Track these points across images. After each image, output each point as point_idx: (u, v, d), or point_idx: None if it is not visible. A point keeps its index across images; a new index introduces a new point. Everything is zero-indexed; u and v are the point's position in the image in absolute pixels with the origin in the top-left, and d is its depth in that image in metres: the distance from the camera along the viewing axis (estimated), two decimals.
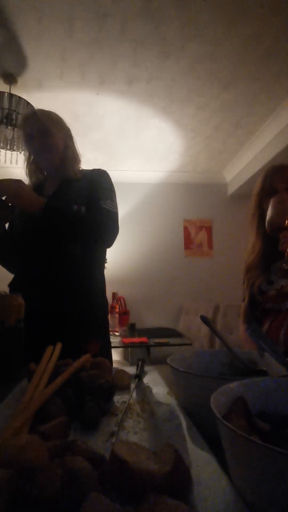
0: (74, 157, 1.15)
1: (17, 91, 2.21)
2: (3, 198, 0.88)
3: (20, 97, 2.06)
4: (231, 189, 3.84)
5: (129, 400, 0.52)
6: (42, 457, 0.26)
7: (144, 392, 0.57)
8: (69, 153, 1.13)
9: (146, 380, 0.64)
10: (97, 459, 0.30)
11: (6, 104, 2.04)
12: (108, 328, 1.16)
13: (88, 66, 2.10)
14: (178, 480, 0.26)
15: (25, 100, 2.07)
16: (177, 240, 3.92)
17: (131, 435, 0.41)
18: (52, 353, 0.66)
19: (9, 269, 1.14)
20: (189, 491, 0.28)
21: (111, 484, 0.25)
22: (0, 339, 0.71)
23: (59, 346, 0.70)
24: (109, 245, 1.12)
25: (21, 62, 2.06)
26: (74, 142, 1.18)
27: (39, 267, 1.03)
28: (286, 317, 1.01)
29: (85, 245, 1.06)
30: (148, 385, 0.60)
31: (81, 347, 0.96)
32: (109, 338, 1.15)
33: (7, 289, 1.07)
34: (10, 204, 0.91)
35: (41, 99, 2.35)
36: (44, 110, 1.14)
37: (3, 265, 1.15)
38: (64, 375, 0.54)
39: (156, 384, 0.61)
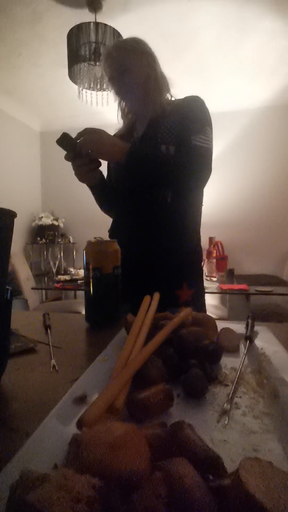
0: (158, 88, 1.01)
1: (102, 18, 2.03)
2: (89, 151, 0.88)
3: (106, 25, 1.88)
4: None
5: (240, 368, 0.44)
6: (141, 464, 0.19)
7: (259, 360, 0.46)
8: (150, 85, 1.00)
9: (258, 343, 0.54)
10: (211, 463, 0.23)
11: (92, 37, 1.89)
12: (203, 275, 1.12)
13: None
14: None
15: (111, 27, 1.88)
16: (285, 178, 3.36)
17: (248, 419, 0.33)
18: (150, 304, 0.61)
19: (110, 216, 1.15)
20: None
21: None
22: (98, 286, 0.70)
23: (156, 296, 0.65)
24: (201, 187, 1.02)
25: None
26: (159, 68, 1.01)
27: (132, 215, 1.03)
28: None
29: (176, 190, 0.98)
30: (264, 351, 0.49)
31: (174, 294, 0.96)
32: (203, 285, 1.12)
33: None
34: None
35: (127, 23, 2.12)
36: (120, 43, 1.00)
37: (105, 212, 1.17)
38: (164, 332, 0.48)
39: (274, 350, 0.50)
